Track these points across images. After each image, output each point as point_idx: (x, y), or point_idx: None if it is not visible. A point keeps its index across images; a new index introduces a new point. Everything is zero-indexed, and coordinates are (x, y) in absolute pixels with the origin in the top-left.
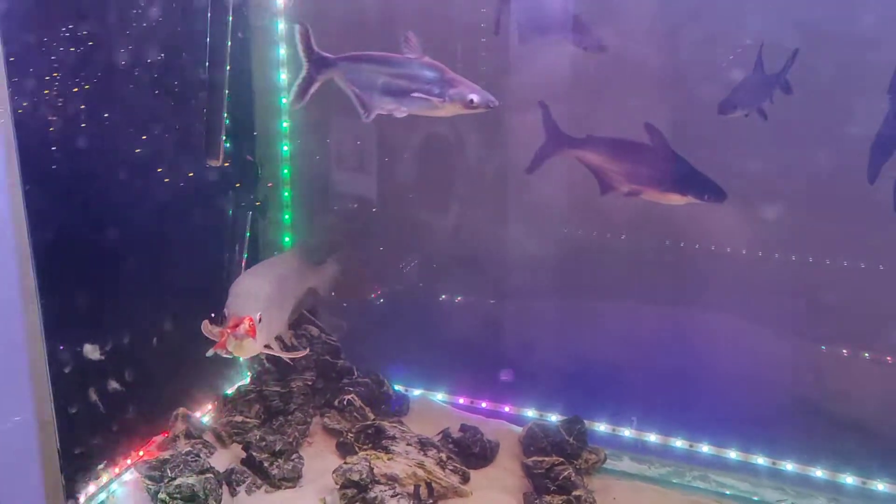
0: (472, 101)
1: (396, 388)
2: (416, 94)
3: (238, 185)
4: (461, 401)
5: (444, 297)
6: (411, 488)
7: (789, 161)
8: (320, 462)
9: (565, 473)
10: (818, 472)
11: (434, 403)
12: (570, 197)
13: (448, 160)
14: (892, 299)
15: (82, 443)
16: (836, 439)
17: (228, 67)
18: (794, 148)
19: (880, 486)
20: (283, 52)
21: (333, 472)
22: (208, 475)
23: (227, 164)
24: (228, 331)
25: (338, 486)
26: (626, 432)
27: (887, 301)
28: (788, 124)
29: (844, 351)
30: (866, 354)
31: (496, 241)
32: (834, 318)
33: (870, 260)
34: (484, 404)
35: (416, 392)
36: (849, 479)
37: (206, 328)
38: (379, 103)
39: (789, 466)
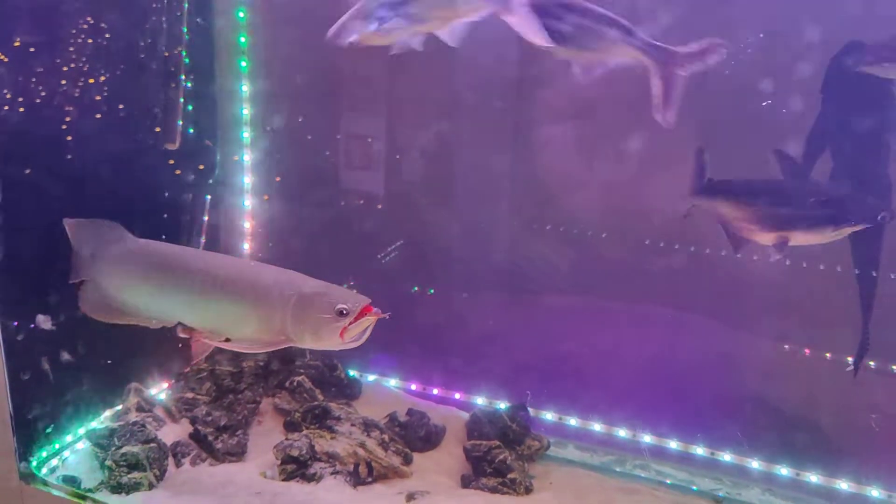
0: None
1: (350, 373)
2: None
3: (199, 168)
4: (413, 387)
5: (417, 289)
6: (351, 466)
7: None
8: (267, 439)
9: (501, 456)
10: (754, 464)
11: (386, 389)
12: (532, 192)
13: (413, 152)
14: (844, 299)
15: (34, 410)
16: (773, 433)
17: (185, 52)
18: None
19: (812, 477)
20: (244, 39)
21: (274, 447)
22: (152, 445)
23: (184, 148)
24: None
25: (278, 462)
26: (572, 421)
27: (838, 301)
28: None
29: (786, 347)
30: (806, 351)
31: (454, 235)
32: (781, 316)
33: (829, 261)
34: (435, 391)
35: (371, 377)
36: (783, 471)
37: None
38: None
39: (727, 457)
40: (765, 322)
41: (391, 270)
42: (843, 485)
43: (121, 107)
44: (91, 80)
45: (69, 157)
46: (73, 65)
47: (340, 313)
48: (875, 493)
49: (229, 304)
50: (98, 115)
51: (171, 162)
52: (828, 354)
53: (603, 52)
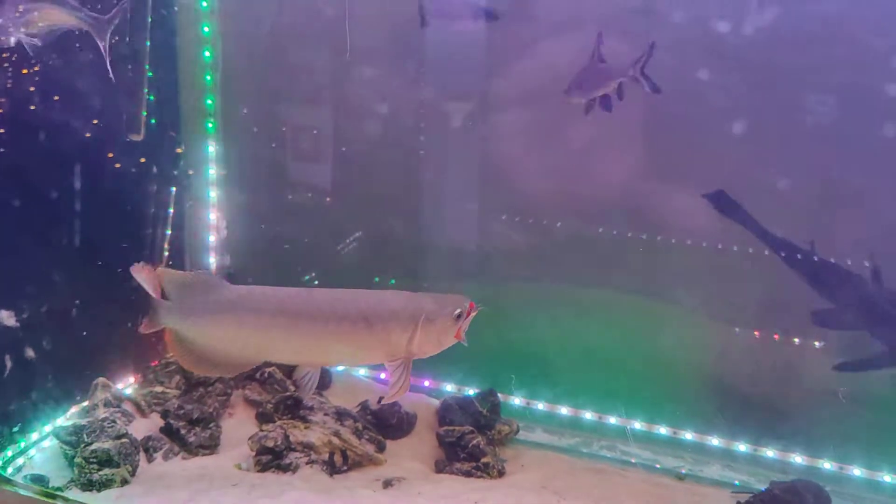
0: None
1: None
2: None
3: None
4: (383, 376)
5: (377, 279)
6: (326, 455)
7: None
8: (239, 431)
9: (474, 441)
10: (714, 441)
11: (356, 378)
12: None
13: (379, 148)
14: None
15: None
16: (732, 411)
17: (149, 43)
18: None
19: (769, 452)
20: (208, 29)
21: (249, 438)
22: (124, 440)
23: (147, 139)
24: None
25: (253, 453)
26: (540, 405)
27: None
28: None
29: (752, 331)
30: (776, 336)
31: (424, 227)
32: (742, 301)
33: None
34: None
35: (340, 367)
36: (742, 447)
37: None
38: None
39: (688, 436)
40: (722, 306)
41: (351, 261)
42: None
43: (98, 101)
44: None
45: (28, 149)
46: (32, 56)
47: (458, 318)
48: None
49: (353, 339)
50: (60, 107)
51: (130, 157)
52: (776, 336)
53: (46, 18)
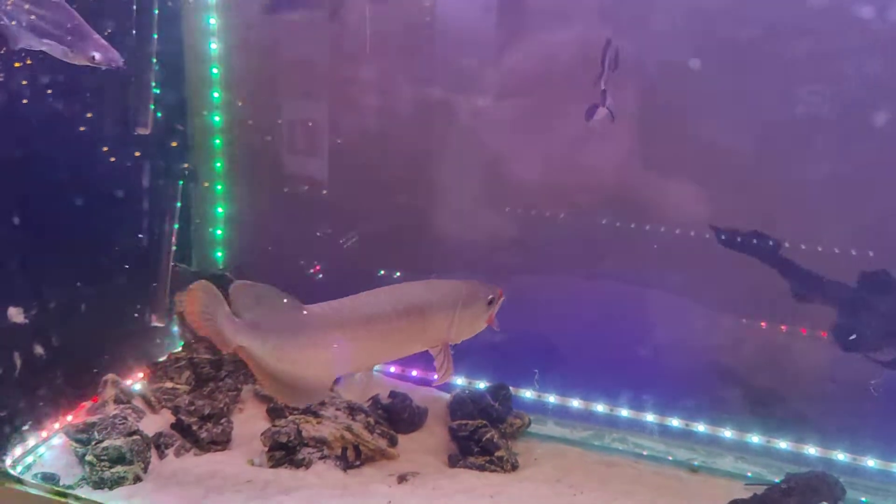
0: (93, 57)
1: None
2: (47, 41)
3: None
4: (392, 370)
5: (382, 272)
6: (339, 451)
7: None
8: (251, 426)
9: (488, 435)
10: (727, 433)
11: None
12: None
13: (385, 143)
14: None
15: (7, 405)
16: (745, 403)
17: (156, 35)
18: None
19: (782, 444)
20: (213, 21)
21: (262, 434)
22: (136, 437)
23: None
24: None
25: (266, 449)
26: (551, 398)
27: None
28: None
29: (762, 324)
30: (783, 328)
31: (428, 220)
32: (754, 293)
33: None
34: (414, 373)
35: None
36: (755, 439)
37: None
38: (24, 38)
39: (701, 428)
40: (753, 303)
41: (357, 254)
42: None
43: (104, 94)
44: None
45: (37, 144)
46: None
47: (489, 303)
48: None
49: (411, 332)
50: (67, 101)
51: (138, 151)
52: (783, 327)
53: None
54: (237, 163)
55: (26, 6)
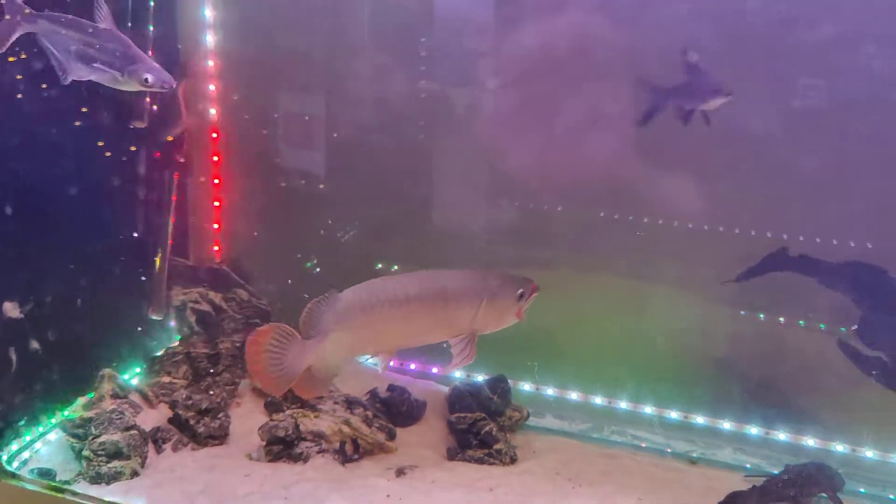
0: (146, 80)
1: None
2: (98, 66)
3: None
4: (391, 363)
5: (380, 265)
6: (337, 444)
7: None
8: (248, 421)
9: (487, 428)
10: (725, 425)
11: (364, 366)
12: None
13: (382, 135)
14: None
15: (3, 400)
16: (743, 395)
17: (152, 27)
18: None
19: (781, 436)
20: (209, 13)
21: (259, 428)
22: (133, 432)
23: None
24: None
25: (264, 443)
26: (550, 391)
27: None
28: None
29: (762, 316)
30: (781, 319)
31: (424, 213)
32: (752, 285)
33: (792, 232)
34: (413, 366)
35: None
36: (753, 430)
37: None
38: (74, 69)
39: (700, 420)
40: (750, 295)
41: (354, 247)
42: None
43: (98, 86)
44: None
45: (32, 137)
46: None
47: (520, 297)
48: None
49: (433, 318)
50: (64, 96)
51: (134, 144)
52: (781, 318)
53: None
54: (234, 156)
55: (74, 35)
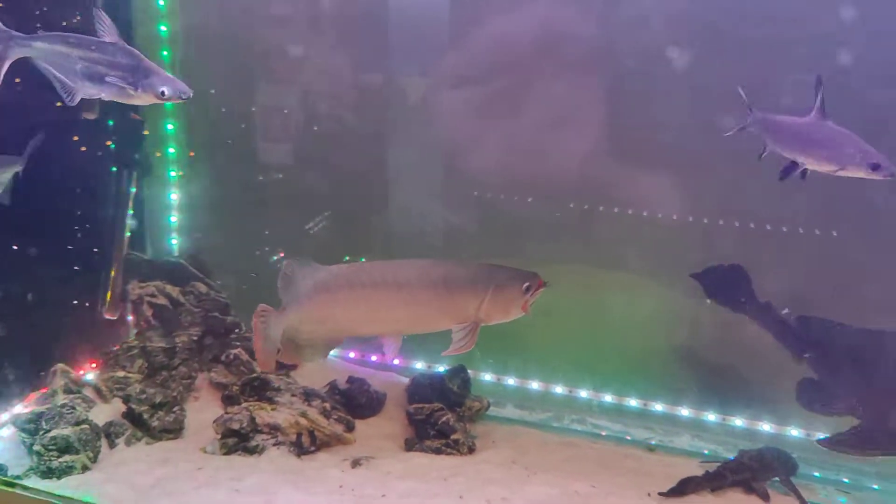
0: (163, 92)
1: None
2: (110, 80)
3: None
4: (352, 355)
5: (347, 258)
6: (294, 437)
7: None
8: (205, 415)
9: (444, 418)
10: (684, 412)
11: (325, 359)
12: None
13: (343, 128)
14: (769, 257)
15: None
16: (701, 382)
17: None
18: None
19: (738, 422)
20: (163, 2)
21: (214, 422)
22: (84, 427)
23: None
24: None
25: (218, 436)
26: (510, 381)
27: (765, 258)
28: None
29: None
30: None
31: (388, 206)
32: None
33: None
34: (374, 358)
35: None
36: (711, 417)
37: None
38: (81, 87)
39: (658, 407)
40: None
41: (321, 240)
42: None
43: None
44: None
45: None
46: None
47: (526, 290)
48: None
49: (432, 305)
50: (12, 90)
51: (88, 138)
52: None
53: None
54: (190, 148)
55: (79, 53)
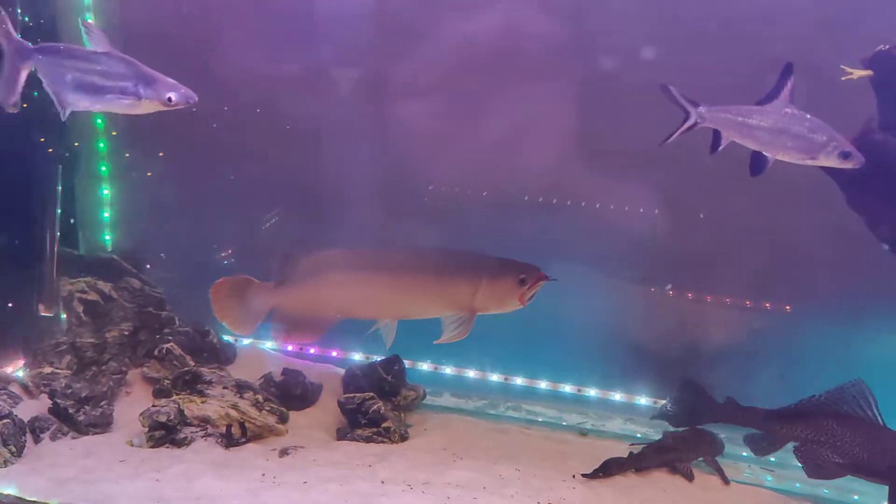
0: (169, 99)
1: (225, 337)
2: (110, 97)
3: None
4: (290, 348)
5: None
6: (224, 428)
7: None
8: (136, 409)
9: (374, 407)
10: (616, 397)
11: (262, 351)
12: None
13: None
14: (706, 245)
15: None
16: (634, 368)
17: (20, 11)
18: None
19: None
20: None
21: (140, 414)
22: (6, 421)
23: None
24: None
25: (146, 429)
26: (448, 370)
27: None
28: None
29: (652, 289)
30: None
31: (327, 200)
32: (641, 262)
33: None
34: (312, 350)
35: (246, 341)
36: (642, 401)
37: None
38: (73, 100)
39: (592, 392)
40: (633, 268)
41: (273, 238)
42: None
43: None
44: None
45: None
46: None
47: (521, 282)
48: None
49: (426, 291)
50: None
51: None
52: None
53: None
54: (121, 143)
55: (68, 63)
